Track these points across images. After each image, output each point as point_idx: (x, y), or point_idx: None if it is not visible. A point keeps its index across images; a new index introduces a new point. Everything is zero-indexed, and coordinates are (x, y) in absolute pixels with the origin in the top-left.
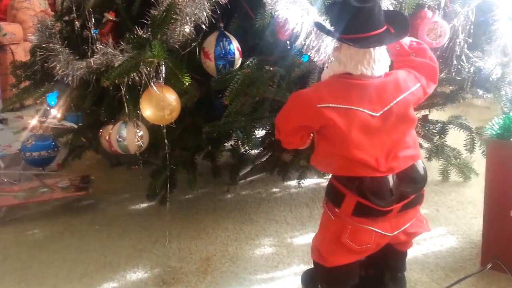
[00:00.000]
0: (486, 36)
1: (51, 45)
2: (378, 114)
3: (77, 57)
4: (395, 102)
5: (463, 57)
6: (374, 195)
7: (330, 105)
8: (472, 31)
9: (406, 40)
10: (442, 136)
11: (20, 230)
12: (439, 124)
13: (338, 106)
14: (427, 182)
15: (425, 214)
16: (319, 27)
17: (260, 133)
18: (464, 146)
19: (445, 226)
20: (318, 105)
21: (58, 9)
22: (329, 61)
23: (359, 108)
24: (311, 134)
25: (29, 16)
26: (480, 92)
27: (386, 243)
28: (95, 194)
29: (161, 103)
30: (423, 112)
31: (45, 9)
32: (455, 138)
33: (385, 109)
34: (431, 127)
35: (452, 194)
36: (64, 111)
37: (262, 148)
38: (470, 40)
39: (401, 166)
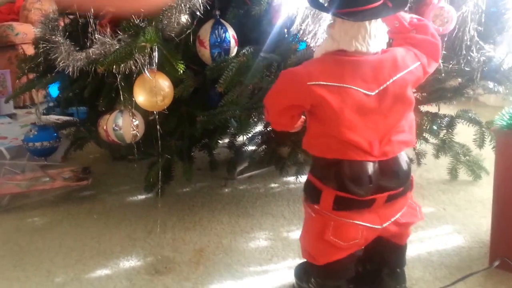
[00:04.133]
0: (498, 26)
1: (53, 37)
2: (373, 94)
3: (77, 48)
4: (391, 81)
5: (472, 47)
6: (351, 181)
7: (321, 82)
8: (483, 20)
9: (406, 16)
10: (450, 130)
11: (20, 217)
12: (447, 118)
13: (330, 84)
14: (410, 176)
15: (431, 212)
16: (312, 2)
17: (257, 127)
18: (474, 141)
19: (451, 225)
20: (308, 83)
21: None
22: (323, 39)
23: (352, 86)
24: (303, 116)
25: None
26: (491, 85)
27: (376, 236)
28: (95, 186)
29: (153, 89)
30: (431, 107)
31: (55, 10)
32: (465, 137)
33: (381, 88)
34: (439, 122)
35: (460, 193)
36: (65, 105)
37: (259, 142)
38: (480, 28)
39: (395, 151)
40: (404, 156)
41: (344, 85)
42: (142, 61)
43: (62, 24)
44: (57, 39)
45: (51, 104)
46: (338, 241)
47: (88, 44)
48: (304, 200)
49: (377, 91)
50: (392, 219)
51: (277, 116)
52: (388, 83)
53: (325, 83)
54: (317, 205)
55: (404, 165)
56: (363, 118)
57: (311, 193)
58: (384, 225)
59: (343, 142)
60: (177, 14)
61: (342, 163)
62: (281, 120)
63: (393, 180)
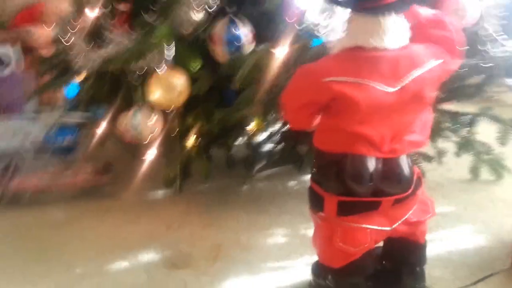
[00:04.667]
0: None
1: (70, 37)
2: (391, 90)
3: (93, 48)
4: (411, 79)
5: (493, 43)
6: (351, 178)
7: (338, 78)
8: (504, 16)
9: (426, 13)
10: (472, 128)
11: (41, 212)
12: (468, 116)
13: (347, 79)
14: (412, 182)
15: (452, 211)
16: None
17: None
18: (497, 139)
19: (472, 224)
20: (325, 79)
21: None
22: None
23: (370, 83)
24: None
25: None
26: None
27: (386, 237)
28: (115, 182)
29: (169, 86)
30: (452, 105)
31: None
32: (487, 136)
33: (400, 85)
34: (460, 119)
35: (481, 192)
36: (85, 104)
37: (277, 140)
38: (502, 23)
39: (405, 150)
40: (406, 161)
41: (362, 81)
42: (158, 58)
43: (78, 24)
44: (73, 39)
45: (72, 103)
46: (347, 247)
47: (104, 43)
48: (309, 208)
49: (396, 88)
50: (402, 219)
51: (295, 114)
52: (407, 81)
53: (342, 79)
54: (322, 212)
55: (406, 171)
56: (379, 113)
57: (314, 201)
58: (394, 226)
59: (353, 136)
60: (191, 11)
61: (343, 160)
62: (298, 118)
63: (395, 185)
